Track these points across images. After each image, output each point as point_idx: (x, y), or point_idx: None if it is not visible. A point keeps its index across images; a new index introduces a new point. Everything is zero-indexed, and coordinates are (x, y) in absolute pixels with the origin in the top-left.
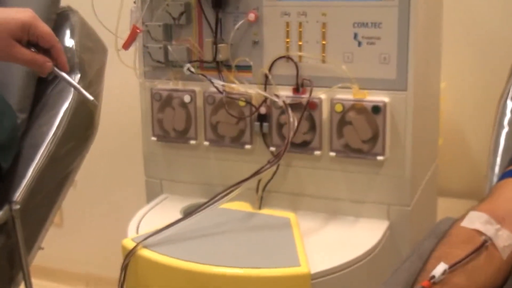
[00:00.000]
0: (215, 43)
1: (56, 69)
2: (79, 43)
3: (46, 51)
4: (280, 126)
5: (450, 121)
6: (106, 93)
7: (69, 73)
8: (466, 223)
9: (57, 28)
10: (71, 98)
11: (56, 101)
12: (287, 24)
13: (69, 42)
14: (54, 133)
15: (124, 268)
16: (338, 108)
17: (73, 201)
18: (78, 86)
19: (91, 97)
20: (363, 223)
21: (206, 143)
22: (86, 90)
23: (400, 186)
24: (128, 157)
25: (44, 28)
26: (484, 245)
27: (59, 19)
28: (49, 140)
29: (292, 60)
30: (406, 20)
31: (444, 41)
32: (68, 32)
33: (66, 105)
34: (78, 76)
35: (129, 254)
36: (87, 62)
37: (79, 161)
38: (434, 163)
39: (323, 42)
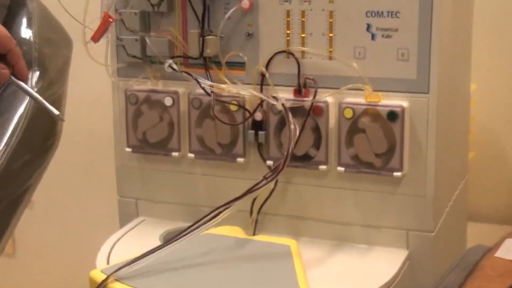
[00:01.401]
0: (201, 35)
1: (13, 78)
2: (38, 34)
3: (1, 57)
4: (279, 135)
5: (483, 130)
6: (71, 94)
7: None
8: (501, 253)
9: (11, 16)
10: (28, 102)
11: (9, 104)
12: (288, 13)
13: (25, 33)
14: (6, 144)
15: None
16: (348, 113)
17: (29, 225)
18: (40, 98)
19: (56, 111)
20: (377, 252)
21: (191, 155)
22: (46, 90)
23: (421, 208)
24: (97, 172)
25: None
26: None
27: (14, 5)
28: (0, 151)
29: (293, 56)
30: (429, 9)
31: (475, 36)
32: (24, 21)
33: (21, 109)
34: (37, 74)
35: None
36: (47, 57)
37: (36, 177)
38: (463, 180)
39: (330, 35)
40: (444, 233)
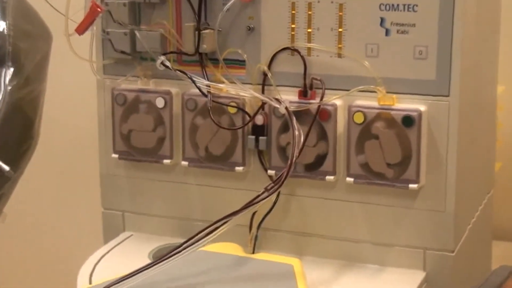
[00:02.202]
0: (197, 29)
1: None
2: (13, 25)
3: None
4: (282, 141)
5: (511, 139)
6: (51, 93)
7: None
8: None
9: None
10: (0, 99)
11: None
12: (293, 5)
13: None
14: None
15: None
16: (358, 118)
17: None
18: None
19: (6, 167)
20: (390, 273)
21: (185, 163)
22: (21, 89)
23: (440, 224)
24: (79, 181)
25: None
26: None
27: None
28: None
29: (298, 53)
30: (450, 1)
31: (502, 31)
32: None
33: None
34: (11, 70)
35: None
36: (23, 51)
37: (9, 186)
38: (488, 194)
39: (340, 30)
40: (466, 252)
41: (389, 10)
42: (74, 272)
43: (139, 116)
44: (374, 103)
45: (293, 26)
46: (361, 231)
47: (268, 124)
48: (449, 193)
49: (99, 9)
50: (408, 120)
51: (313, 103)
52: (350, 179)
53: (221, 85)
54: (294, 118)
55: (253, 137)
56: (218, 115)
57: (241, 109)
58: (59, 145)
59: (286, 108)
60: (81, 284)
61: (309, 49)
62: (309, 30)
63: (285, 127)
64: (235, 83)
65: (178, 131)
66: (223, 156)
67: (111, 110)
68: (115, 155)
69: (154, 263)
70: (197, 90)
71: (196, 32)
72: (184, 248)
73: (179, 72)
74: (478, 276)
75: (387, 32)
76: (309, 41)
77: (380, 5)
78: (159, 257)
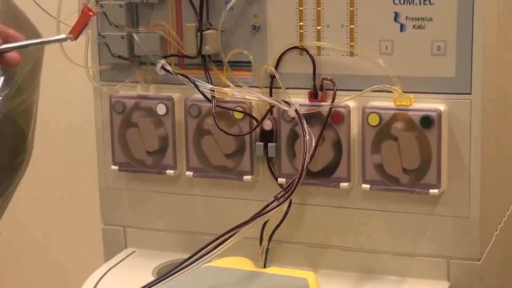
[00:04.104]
0: (199, 29)
1: None
2: None
3: None
4: (292, 147)
5: None
6: (45, 102)
7: None
8: None
9: None
10: None
11: None
12: (300, 1)
13: None
14: None
15: None
16: (373, 120)
17: None
18: None
19: None
20: (413, 285)
21: (189, 173)
22: (13, 99)
23: (464, 231)
24: (77, 195)
25: None
26: None
27: None
28: None
29: (307, 52)
30: None
31: None
32: None
33: None
34: (1, 79)
35: None
36: None
37: (4, 201)
38: None
39: (351, 26)
40: (493, 261)
41: (403, 3)
42: None
43: (139, 124)
44: (390, 104)
45: (301, 23)
46: (380, 240)
47: (277, 129)
48: (473, 198)
49: (91, 13)
50: (427, 121)
51: (325, 105)
52: (366, 186)
53: (226, 89)
54: (304, 122)
55: (262, 143)
56: (224, 121)
57: (248, 114)
58: (55, 157)
59: (296, 111)
60: None
61: (318, 47)
62: (318, 27)
63: (295, 132)
64: (241, 86)
65: (181, 140)
66: (231, 164)
67: (109, 119)
68: (114, 167)
69: (159, 280)
70: (201, 95)
71: (198, 33)
72: (190, 264)
73: (180, 76)
74: (506, 286)
75: (402, 28)
76: (318, 39)
77: None
78: (164, 274)
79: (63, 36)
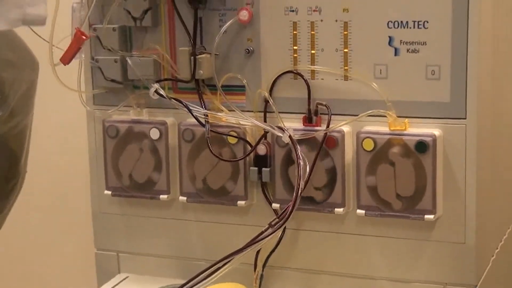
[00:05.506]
0: (193, 53)
1: None
2: None
3: None
4: (287, 172)
5: None
6: (38, 126)
7: None
8: None
9: None
10: None
11: None
12: (294, 25)
13: None
14: None
15: None
16: (368, 145)
17: None
18: None
19: None
20: None
21: (183, 198)
22: (7, 122)
23: (460, 257)
24: (69, 220)
25: None
26: None
27: None
28: None
29: (301, 76)
30: (464, 16)
31: None
32: None
33: None
34: None
35: None
36: (8, 82)
37: None
38: None
39: (345, 50)
40: (489, 287)
41: (397, 27)
42: None
43: (132, 149)
44: (385, 129)
45: (295, 47)
46: (376, 266)
47: (271, 154)
48: (469, 224)
49: (84, 37)
50: (422, 146)
51: (319, 130)
52: (361, 211)
53: (219, 114)
54: (298, 148)
55: (256, 168)
56: (218, 146)
57: (242, 138)
58: (48, 181)
59: (289, 136)
60: None
61: (313, 72)
62: (312, 51)
63: (290, 157)
64: (234, 111)
65: (175, 164)
66: (224, 189)
67: (103, 143)
68: (108, 192)
69: None
70: (194, 120)
71: (192, 57)
72: None
73: (174, 100)
74: None
75: (396, 52)
76: (312, 63)
77: (388, 23)
78: None
79: None
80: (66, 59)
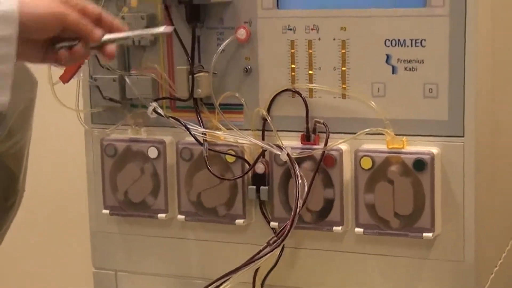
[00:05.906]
0: (191, 72)
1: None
2: None
3: None
4: (285, 190)
5: None
6: (37, 145)
7: None
8: None
9: None
10: None
11: None
12: (292, 44)
13: None
14: None
15: None
16: (366, 163)
17: None
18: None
19: None
20: None
21: (181, 217)
22: (5, 141)
23: (459, 275)
24: (68, 239)
25: None
26: None
27: None
28: None
29: (299, 95)
30: (461, 34)
31: None
32: None
33: None
34: None
35: None
36: None
37: None
38: None
39: (343, 69)
40: None
41: (395, 46)
42: None
43: (130, 168)
44: (383, 147)
45: (292, 66)
46: (375, 285)
47: (270, 173)
48: (467, 241)
49: None
50: (420, 164)
51: (317, 149)
52: (359, 230)
53: (217, 132)
54: (296, 166)
55: (254, 187)
56: (216, 165)
57: (240, 157)
58: (46, 200)
59: (288, 155)
60: None
61: (310, 90)
62: (310, 71)
63: (288, 175)
64: (232, 129)
65: (173, 183)
66: (223, 208)
67: (101, 162)
68: (106, 211)
69: None
70: (192, 138)
71: (190, 76)
72: None
73: (172, 119)
74: None
75: (393, 70)
76: (310, 81)
77: (385, 41)
78: None
79: (162, 27)
80: (65, 78)
